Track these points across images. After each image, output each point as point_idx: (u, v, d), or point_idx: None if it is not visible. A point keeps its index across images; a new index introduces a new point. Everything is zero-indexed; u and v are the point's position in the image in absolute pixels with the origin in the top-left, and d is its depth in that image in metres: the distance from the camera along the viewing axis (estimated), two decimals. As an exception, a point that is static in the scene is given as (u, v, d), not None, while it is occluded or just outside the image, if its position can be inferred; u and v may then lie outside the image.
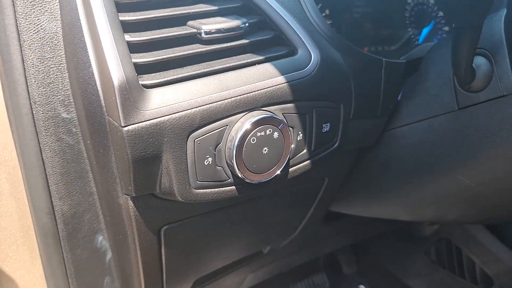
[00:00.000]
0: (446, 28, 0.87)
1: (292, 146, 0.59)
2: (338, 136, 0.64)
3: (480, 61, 0.59)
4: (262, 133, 0.54)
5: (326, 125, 0.62)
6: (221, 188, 0.56)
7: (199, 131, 0.52)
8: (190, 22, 0.57)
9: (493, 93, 0.58)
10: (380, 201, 0.83)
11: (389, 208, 0.84)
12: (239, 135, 0.53)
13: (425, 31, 0.89)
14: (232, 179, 0.56)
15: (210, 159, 0.54)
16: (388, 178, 0.77)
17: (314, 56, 0.59)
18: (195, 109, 0.51)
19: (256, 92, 0.55)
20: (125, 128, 0.49)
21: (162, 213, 0.61)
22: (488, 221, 1.04)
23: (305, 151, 0.61)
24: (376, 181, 0.80)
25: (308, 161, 0.62)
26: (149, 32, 0.54)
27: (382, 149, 0.74)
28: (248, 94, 0.54)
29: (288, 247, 0.96)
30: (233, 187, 0.57)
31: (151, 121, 0.49)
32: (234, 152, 0.53)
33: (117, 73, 0.49)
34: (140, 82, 0.50)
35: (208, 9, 0.58)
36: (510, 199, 0.65)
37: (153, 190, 0.55)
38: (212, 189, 0.56)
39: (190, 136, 0.52)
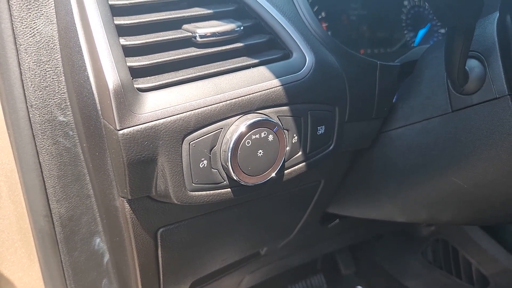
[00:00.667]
0: (442, 31, 0.88)
1: (287, 148, 0.60)
2: (333, 138, 0.65)
3: (473, 64, 0.60)
4: (257, 136, 0.55)
5: (321, 128, 0.62)
6: (216, 191, 0.57)
7: (194, 134, 0.52)
8: (185, 26, 0.57)
9: (486, 95, 0.59)
10: (376, 202, 0.83)
11: (384, 210, 0.84)
12: (234, 137, 0.53)
13: (420, 33, 0.89)
14: (227, 181, 0.57)
15: (205, 161, 0.54)
16: (383, 180, 0.77)
17: (309, 59, 0.60)
18: (190, 112, 0.52)
19: (251, 95, 0.55)
20: (120, 132, 0.49)
21: (158, 215, 0.62)
22: (482, 222, 1.04)
23: (300, 153, 0.61)
24: (371, 183, 0.80)
25: (304, 164, 0.63)
26: (144, 35, 0.54)
27: (377, 151, 0.75)
28: (243, 97, 0.54)
29: (285, 249, 0.96)
30: (229, 189, 0.57)
31: (146, 124, 0.50)
32: (229, 154, 0.54)
33: (112, 76, 0.49)
34: (135, 86, 0.51)
35: (203, 12, 0.58)
36: (504, 200, 0.66)
37: (149, 192, 0.55)
38: (208, 192, 0.56)
39: (185, 139, 0.52)
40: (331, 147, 0.65)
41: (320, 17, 0.85)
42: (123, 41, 0.53)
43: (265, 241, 0.88)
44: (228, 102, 0.54)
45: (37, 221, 0.63)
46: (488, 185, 0.63)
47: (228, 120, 0.54)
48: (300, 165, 0.62)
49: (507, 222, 0.94)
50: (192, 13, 0.58)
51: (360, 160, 0.79)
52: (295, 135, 0.59)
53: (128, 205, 0.58)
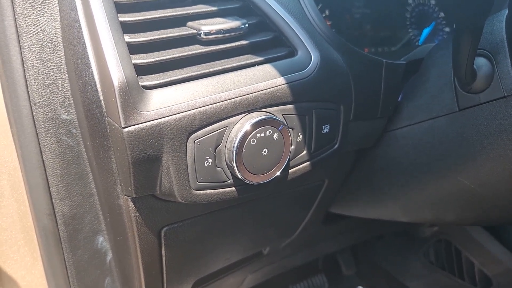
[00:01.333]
0: (447, 29, 0.87)
1: (292, 147, 0.59)
2: (338, 137, 0.64)
3: (481, 62, 0.59)
4: (262, 134, 0.54)
5: (326, 126, 0.62)
6: (221, 189, 0.56)
7: (199, 132, 0.52)
8: (189, 23, 0.57)
9: (494, 94, 0.58)
10: (379, 202, 0.83)
11: (388, 210, 0.84)
12: (239, 136, 0.53)
13: (425, 32, 0.89)
14: (232, 180, 0.56)
15: (210, 160, 0.54)
16: (388, 179, 0.77)
17: (314, 57, 0.59)
18: (195, 110, 0.51)
19: (256, 93, 0.55)
20: (125, 129, 0.49)
21: (162, 214, 0.61)
22: (487, 223, 1.04)
23: (305, 152, 0.61)
24: (375, 182, 0.80)
25: (308, 163, 0.62)
26: (148, 33, 0.54)
27: (382, 150, 0.74)
28: (248, 95, 0.54)
29: (288, 248, 0.96)
30: (233, 188, 0.57)
31: (151, 122, 0.49)
32: (234, 153, 0.53)
33: (117, 74, 0.49)
34: (140, 83, 0.50)
35: (207, 10, 0.58)
36: (510, 200, 0.65)
37: (153, 191, 0.55)
38: (212, 190, 0.56)
39: (190, 137, 0.52)
40: (336, 146, 0.65)
41: (323, 15, 0.85)
42: (128, 38, 0.52)
43: (268, 240, 0.88)
44: (233, 100, 0.53)
45: (40, 219, 0.63)
46: (495, 184, 0.63)
47: (233, 118, 0.54)
48: (305, 164, 0.62)
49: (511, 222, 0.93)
50: (197, 10, 0.57)
51: (363, 160, 0.78)
52: (300, 133, 0.59)
53: (132, 204, 0.58)
